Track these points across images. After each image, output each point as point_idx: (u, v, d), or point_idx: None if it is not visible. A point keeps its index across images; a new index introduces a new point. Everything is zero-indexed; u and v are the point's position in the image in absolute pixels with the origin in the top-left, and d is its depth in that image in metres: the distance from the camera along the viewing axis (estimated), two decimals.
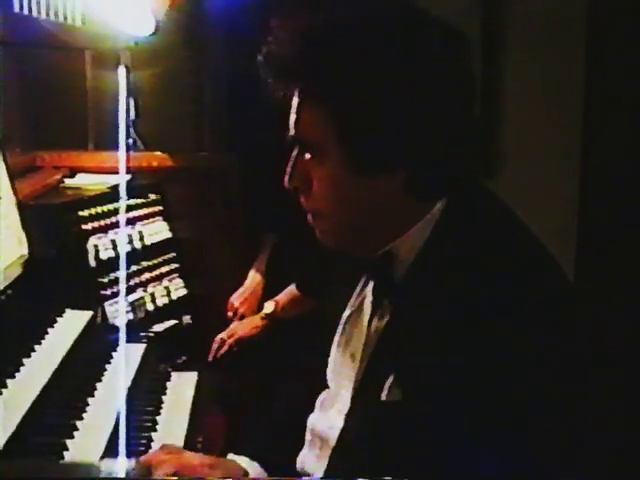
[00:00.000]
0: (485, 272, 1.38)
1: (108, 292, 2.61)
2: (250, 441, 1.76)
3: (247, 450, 1.72)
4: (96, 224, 2.69)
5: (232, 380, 2.80)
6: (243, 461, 1.70)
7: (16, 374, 1.82)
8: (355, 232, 1.47)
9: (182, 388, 2.19)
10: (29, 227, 2.28)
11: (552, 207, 3.60)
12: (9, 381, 1.78)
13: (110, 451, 1.67)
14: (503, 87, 3.78)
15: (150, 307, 2.86)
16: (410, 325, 1.42)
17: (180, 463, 1.60)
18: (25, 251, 2.25)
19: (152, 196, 3.05)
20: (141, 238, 2.90)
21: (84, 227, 2.65)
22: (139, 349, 2.26)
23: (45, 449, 1.66)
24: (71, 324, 2.18)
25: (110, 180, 2.93)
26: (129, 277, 2.77)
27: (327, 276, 1.72)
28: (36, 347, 1.98)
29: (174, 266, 3.04)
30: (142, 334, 2.37)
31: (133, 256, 2.84)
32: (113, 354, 2.15)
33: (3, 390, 1.75)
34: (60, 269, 2.41)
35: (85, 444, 1.71)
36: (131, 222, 2.90)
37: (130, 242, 2.85)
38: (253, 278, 3.00)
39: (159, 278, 2.95)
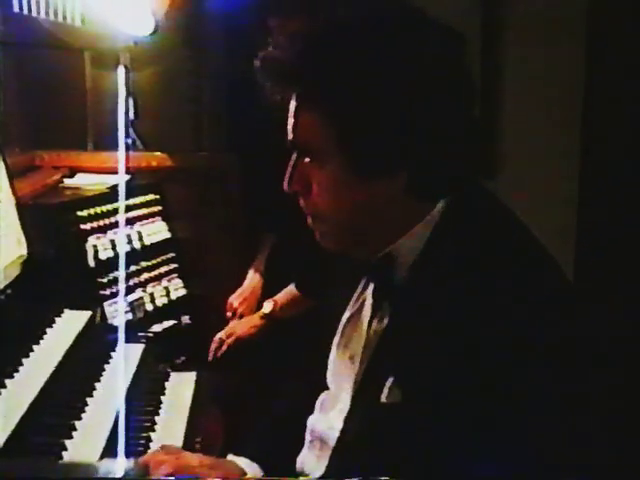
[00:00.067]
0: (485, 272, 1.38)
1: (107, 292, 2.60)
2: (249, 442, 1.76)
3: (246, 451, 1.72)
4: (95, 224, 2.68)
5: (231, 380, 2.79)
6: (242, 462, 1.69)
7: (15, 374, 1.82)
8: (356, 234, 1.47)
9: (181, 388, 2.19)
10: (28, 227, 2.28)
11: (552, 207, 3.60)
12: (8, 381, 1.77)
13: (109, 451, 1.67)
14: (503, 87, 3.78)
15: (149, 307, 2.86)
16: (410, 326, 1.42)
17: (179, 464, 1.60)
18: (24, 251, 2.25)
19: (151, 196, 3.05)
20: (140, 238, 2.90)
21: (83, 227, 2.65)
22: (138, 349, 2.26)
23: (44, 449, 1.66)
24: (70, 324, 2.17)
25: (109, 180, 2.93)
26: (128, 277, 2.77)
27: (326, 276, 1.72)
28: (35, 347, 1.97)
29: (173, 266, 3.04)
30: (141, 334, 2.37)
31: (132, 256, 2.84)
32: (112, 354, 2.14)
33: (2, 390, 1.74)
34: (59, 269, 2.41)
35: (84, 444, 1.70)
36: (130, 222, 2.90)
37: (129, 242, 2.85)
38: (252, 278, 3.00)
39: (158, 278, 2.95)
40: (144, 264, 2.90)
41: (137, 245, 2.88)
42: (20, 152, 2.91)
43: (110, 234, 2.71)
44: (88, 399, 1.89)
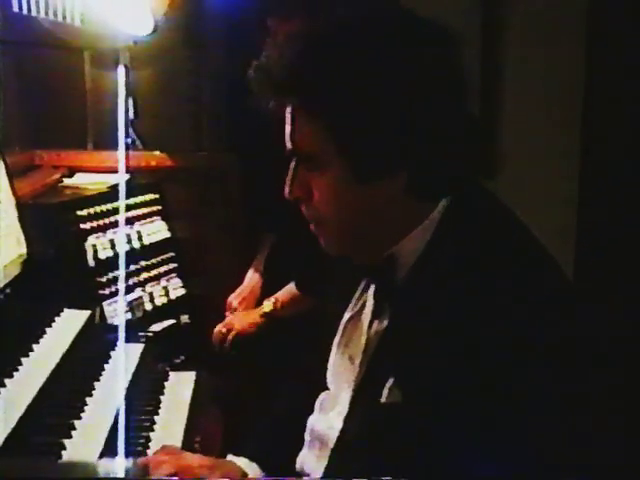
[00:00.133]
0: (485, 272, 1.38)
1: (106, 292, 2.60)
2: (249, 442, 1.76)
3: (246, 451, 1.72)
4: (95, 223, 2.68)
5: (231, 380, 2.79)
6: (242, 462, 1.70)
7: (14, 373, 1.82)
8: (359, 238, 1.47)
9: (180, 388, 2.19)
10: (28, 226, 2.28)
11: (552, 207, 3.60)
12: (7, 380, 1.77)
13: (108, 451, 1.67)
14: (503, 87, 3.78)
15: (148, 307, 2.85)
16: (411, 327, 1.41)
17: (179, 464, 1.60)
18: (24, 250, 2.25)
19: (151, 196, 3.04)
20: (140, 238, 2.89)
21: (83, 226, 2.64)
22: (137, 349, 2.26)
23: (43, 449, 1.66)
24: (69, 323, 2.17)
25: (109, 179, 2.93)
26: (127, 277, 2.77)
27: (326, 276, 1.72)
28: (34, 347, 1.97)
29: (172, 266, 3.03)
30: (140, 334, 2.37)
31: (132, 256, 2.83)
32: (111, 354, 2.14)
33: (1, 389, 1.74)
34: (58, 268, 2.41)
35: (83, 444, 1.70)
36: (130, 222, 2.89)
37: (129, 242, 2.85)
38: (252, 278, 2.99)
39: (157, 278, 2.95)
40: (143, 264, 2.90)
41: (136, 245, 2.88)
42: (20, 151, 2.90)
43: (110, 233, 2.70)
44: (87, 399, 1.89)
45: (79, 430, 1.74)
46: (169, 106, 3.71)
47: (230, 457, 1.72)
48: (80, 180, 3.05)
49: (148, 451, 1.79)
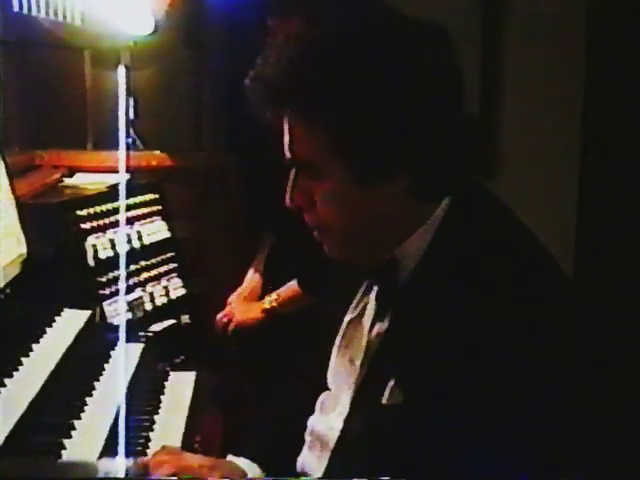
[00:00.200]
0: (485, 272, 1.38)
1: (106, 291, 2.60)
2: (249, 442, 1.76)
3: (246, 451, 1.72)
4: (95, 223, 2.68)
5: (231, 380, 2.79)
6: (242, 462, 1.69)
7: (14, 373, 1.82)
8: (362, 243, 1.47)
9: (180, 388, 2.18)
10: (28, 226, 2.28)
11: (552, 207, 3.60)
12: (7, 380, 1.77)
13: (108, 450, 1.67)
14: (503, 87, 3.78)
15: (149, 307, 2.85)
16: (413, 328, 1.42)
17: (180, 464, 1.60)
18: (24, 250, 2.25)
19: (151, 195, 3.04)
20: (140, 238, 2.89)
21: (83, 226, 2.64)
22: (137, 348, 2.26)
23: (43, 448, 1.66)
24: (69, 323, 2.17)
25: (109, 179, 2.93)
26: (128, 276, 2.77)
27: (328, 275, 1.72)
28: (34, 346, 1.97)
29: (173, 266, 3.03)
30: (140, 333, 2.37)
31: (132, 255, 2.83)
32: (111, 353, 2.14)
33: (1, 389, 1.74)
34: (58, 268, 2.40)
35: (83, 443, 1.70)
36: (130, 221, 2.89)
37: (129, 241, 2.85)
38: (252, 278, 3.00)
39: (158, 278, 2.95)
40: (144, 263, 2.90)
41: (137, 244, 2.87)
42: (20, 151, 2.90)
43: (110, 233, 2.70)
44: (87, 398, 1.89)
45: (79, 430, 1.74)
46: (169, 106, 3.71)
47: (230, 457, 1.72)
48: (80, 180, 3.05)
49: (148, 451, 1.79)
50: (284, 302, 2.82)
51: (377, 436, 1.43)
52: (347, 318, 1.58)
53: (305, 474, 1.62)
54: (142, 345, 2.29)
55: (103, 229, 2.69)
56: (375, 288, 1.53)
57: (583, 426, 1.40)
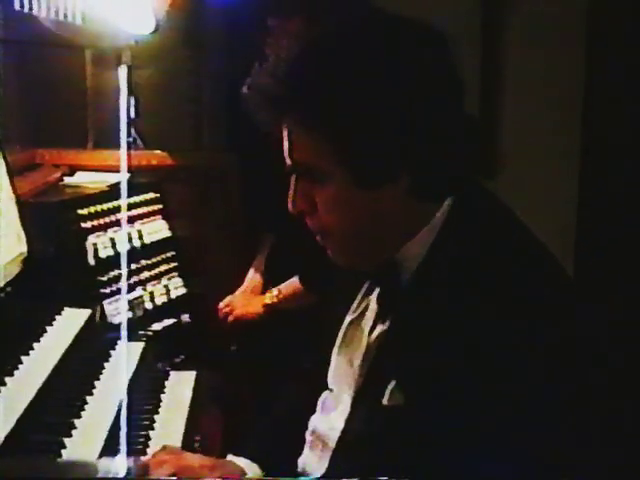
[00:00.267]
0: (485, 272, 1.38)
1: (107, 290, 2.60)
2: (249, 442, 1.76)
3: (246, 451, 1.72)
4: (95, 222, 2.68)
5: (231, 380, 2.79)
6: (242, 462, 1.69)
7: (15, 372, 1.82)
8: (365, 245, 1.47)
9: (180, 387, 2.18)
10: (28, 225, 2.28)
11: (552, 207, 3.60)
12: (8, 379, 1.77)
13: (108, 450, 1.67)
14: (503, 87, 3.78)
15: (149, 306, 2.85)
16: (414, 329, 1.42)
17: (180, 464, 1.60)
18: (24, 249, 2.25)
19: (151, 195, 3.04)
20: (140, 237, 2.89)
21: (83, 225, 2.64)
22: (138, 348, 2.26)
23: (43, 447, 1.66)
24: (70, 322, 2.17)
25: (109, 178, 2.93)
26: (128, 275, 2.77)
27: (329, 273, 1.71)
28: (35, 345, 1.97)
29: (173, 265, 3.03)
30: (141, 333, 2.37)
31: (132, 255, 2.83)
32: (112, 352, 2.14)
33: (1, 388, 1.74)
34: (59, 267, 2.41)
35: (83, 443, 1.70)
36: (130, 220, 2.89)
37: (129, 241, 2.85)
38: (252, 277, 3.00)
39: (158, 277, 2.95)
40: (144, 262, 2.90)
41: (137, 243, 2.88)
42: (20, 150, 2.90)
43: (110, 232, 2.70)
44: (88, 397, 1.89)
45: (79, 429, 1.74)
46: (170, 105, 3.71)
47: (230, 457, 1.72)
48: (81, 179, 3.05)
49: (148, 450, 1.79)
50: (285, 298, 2.83)
51: (378, 437, 1.43)
52: (348, 319, 1.58)
53: (306, 474, 1.62)
54: (142, 344, 2.29)
55: (104, 228, 2.69)
56: (376, 290, 1.53)
57: (583, 426, 1.40)
